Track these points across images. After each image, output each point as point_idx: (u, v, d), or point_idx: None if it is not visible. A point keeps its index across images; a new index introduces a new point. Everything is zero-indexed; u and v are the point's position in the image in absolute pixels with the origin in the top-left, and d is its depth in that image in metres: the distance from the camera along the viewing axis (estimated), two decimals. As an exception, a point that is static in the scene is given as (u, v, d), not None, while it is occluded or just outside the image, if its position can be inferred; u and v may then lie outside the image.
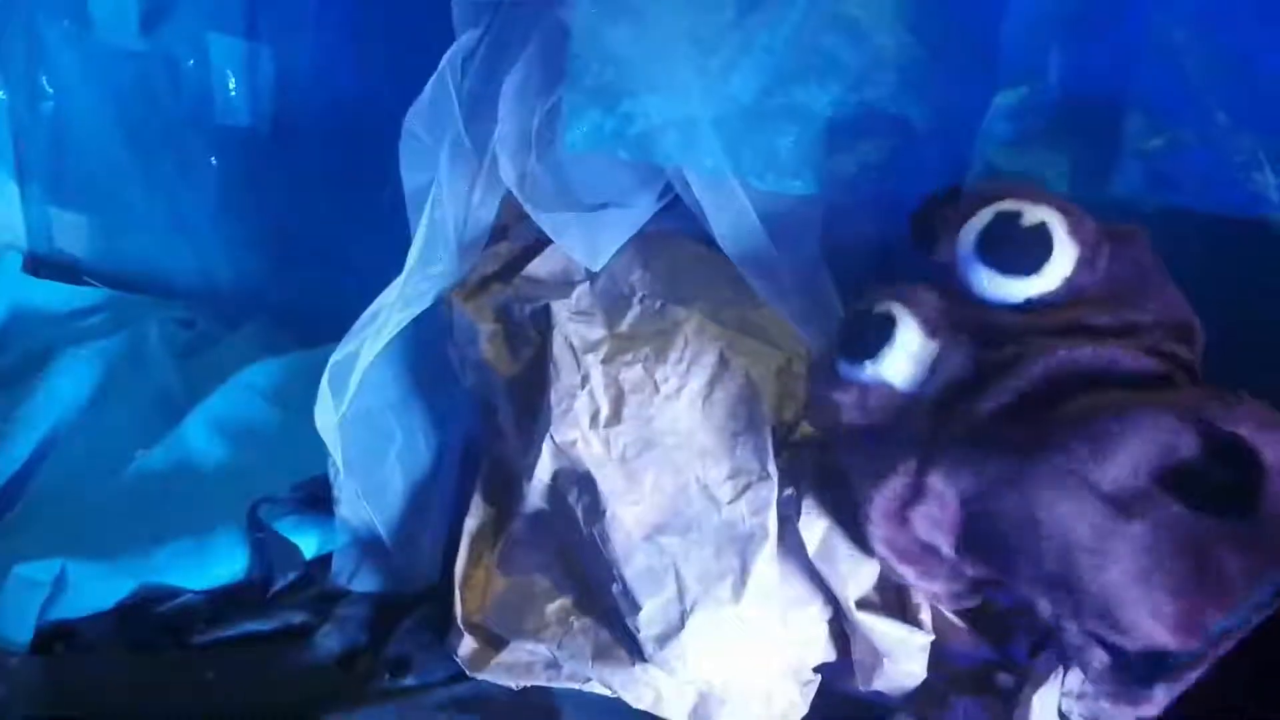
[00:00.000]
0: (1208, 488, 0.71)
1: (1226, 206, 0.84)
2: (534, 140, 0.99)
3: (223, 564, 1.07)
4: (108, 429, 1.23)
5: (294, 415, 1.14)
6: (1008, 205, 0.80)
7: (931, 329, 0.80)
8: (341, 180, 1.28)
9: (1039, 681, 0.87)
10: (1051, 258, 0.78)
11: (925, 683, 0.91)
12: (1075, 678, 0.86)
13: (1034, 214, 0.79)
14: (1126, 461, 0.71)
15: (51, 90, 1.39)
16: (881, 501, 0.80)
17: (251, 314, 1.38)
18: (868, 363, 0.81)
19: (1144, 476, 0.71)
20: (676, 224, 0.98)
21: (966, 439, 0.77)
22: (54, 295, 1.40)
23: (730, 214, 0.93)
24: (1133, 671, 0.77)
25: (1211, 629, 0.72)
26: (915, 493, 0.79)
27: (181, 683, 0.99)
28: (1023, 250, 0.79)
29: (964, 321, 0.80)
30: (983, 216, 0.80)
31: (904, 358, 0.80)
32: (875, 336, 0.81)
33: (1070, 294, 0.79)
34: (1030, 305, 0.80)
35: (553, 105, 0.97)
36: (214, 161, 1.35)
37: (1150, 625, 0.72)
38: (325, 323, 1.05)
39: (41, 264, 1.44)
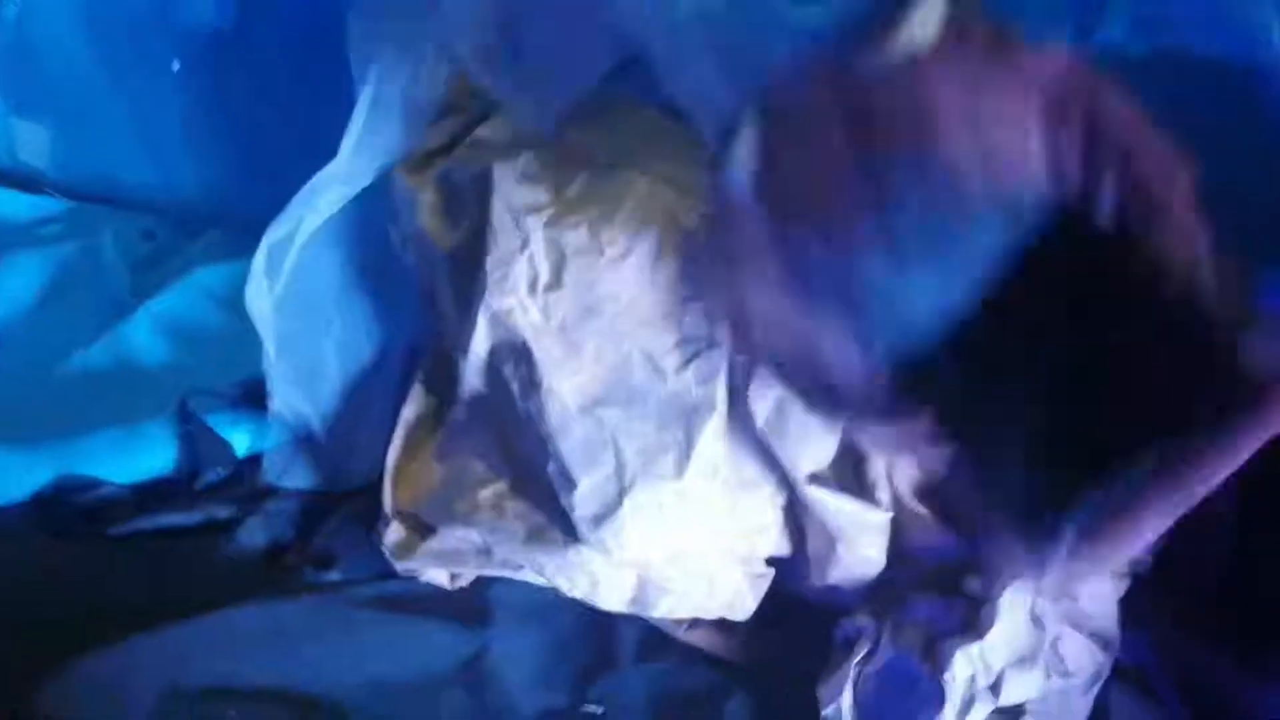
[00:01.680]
0: None
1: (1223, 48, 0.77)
2: (484, 4, 0.93)
3: (149, 456, 1.01)
4: (51, 329, 1.18)
5: (245, 319, 1.08)
6: None
7: None
8: (310, 83, 1.22)
9: (1011, 579, 0.78)
10: None
11: (886, 583, 0.84)
12: (1052, 579, 0.78)
13: None
14: None
15: (16, -1, 1.35)
16: None
17: (214, 224, 1.32)
18: None
19: None
20: (631, 87, 0.92)
21: None
22: (12, 204, 1.34)
23: (688, 67, 0.85)
24: None
25: None
26: None
27: (95, 573, 0.93)
28: None
29: None
30: None
31: None
32: None
33: None
34: None
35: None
36: (177, 65, 1.30)
37: None
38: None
39: (3, 177, 1.38)
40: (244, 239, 1.28)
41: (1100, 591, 0.77)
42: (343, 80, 1.02)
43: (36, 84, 1.36)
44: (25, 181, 1.38)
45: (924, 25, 0.69)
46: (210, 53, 1.29)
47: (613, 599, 0.84)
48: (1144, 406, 0.67)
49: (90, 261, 1.27)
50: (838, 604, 0.85)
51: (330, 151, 1.09)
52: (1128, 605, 0.79)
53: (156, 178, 1.36)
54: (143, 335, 1.15)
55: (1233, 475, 0.78)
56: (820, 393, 0.75)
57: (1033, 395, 0.69)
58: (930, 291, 0.68)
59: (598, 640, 0.88)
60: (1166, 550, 0.80)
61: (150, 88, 1.32)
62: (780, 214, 0.70)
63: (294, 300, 0.98)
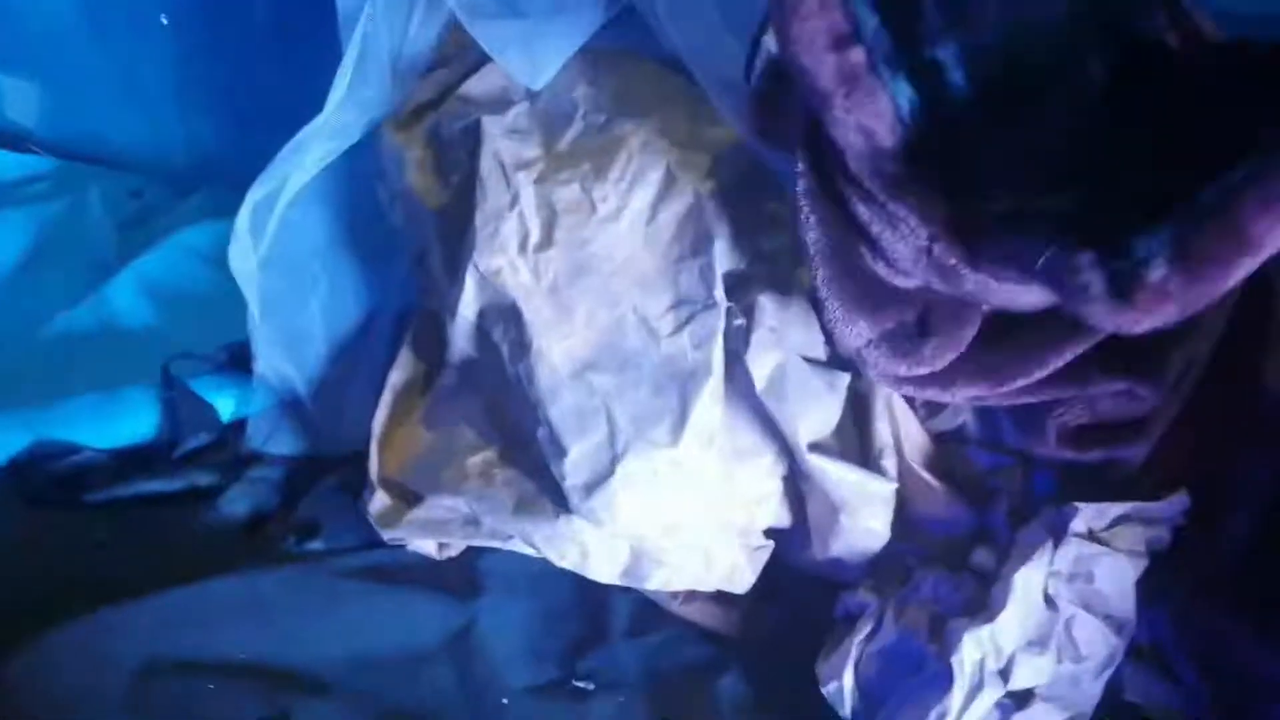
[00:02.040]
0: None
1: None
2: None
3: (130, 422, 0.98)
4: (34, 290, 1.14)
5: (230, 280, 1.05)
6: None
7: None
8: (300, 38, 1.18)
9: (1024, 557, 0.75)
10: None
11: (890, 556, 0.80)
12: (1065, 556, 0.74)
13: None
14: None
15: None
16: None
17: (206, 183, 1.29)
18: None
19: None
20: (628, 41, 0.88)
21: None
22: (-1, 163, 1.32)
23: (689, 17, 0.82)
24: None
25: None
26: None
27: (71, 541, 0.90)
28: None
29: None
30: None
31: None
32: None
33: None
34: None
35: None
36: (164, 20, 1.26)
37: None
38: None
39: (-10, 136, 1.35)
40: (233, 198, 1.26)
41: (1117, 571, 0.73)
42: (333, 35, 0.98)
43: (22, 40, 1.32)
44: (11, 140, 1.35)
45: None
46: (198, 7, 1.26)
47: (604, 571, 0.81)
48: (1217, 113, 0.63)
49: (76, 220, 1.23)
50: (838, 577, 0.81)
51: (318, 103, 1.06)
52: (1144, 582, 0.76)
53: (144, 135, 1.33)
54: (127, 297, 1.11)
55: (1260, 448, 0.76)
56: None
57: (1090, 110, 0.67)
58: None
59: (589, 612, 0.85)
60: (1184, 526, 0.77)
61: (138, 44, 1.29)
62: None
63: (279, 260, 0.94)
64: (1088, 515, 0.75)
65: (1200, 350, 0.75)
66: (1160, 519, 0.76)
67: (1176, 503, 0.76)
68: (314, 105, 1.13)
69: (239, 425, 0.99)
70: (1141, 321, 0.61)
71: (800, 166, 0.73)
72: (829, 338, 0.78)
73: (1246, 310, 0.75)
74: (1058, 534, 0.75)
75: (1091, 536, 0.74)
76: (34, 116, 1.35)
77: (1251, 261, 0.58)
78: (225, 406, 0.99)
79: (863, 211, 0.70)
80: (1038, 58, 0.70)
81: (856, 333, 0.75)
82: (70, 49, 1.31)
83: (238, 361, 1.01)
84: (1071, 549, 0.74)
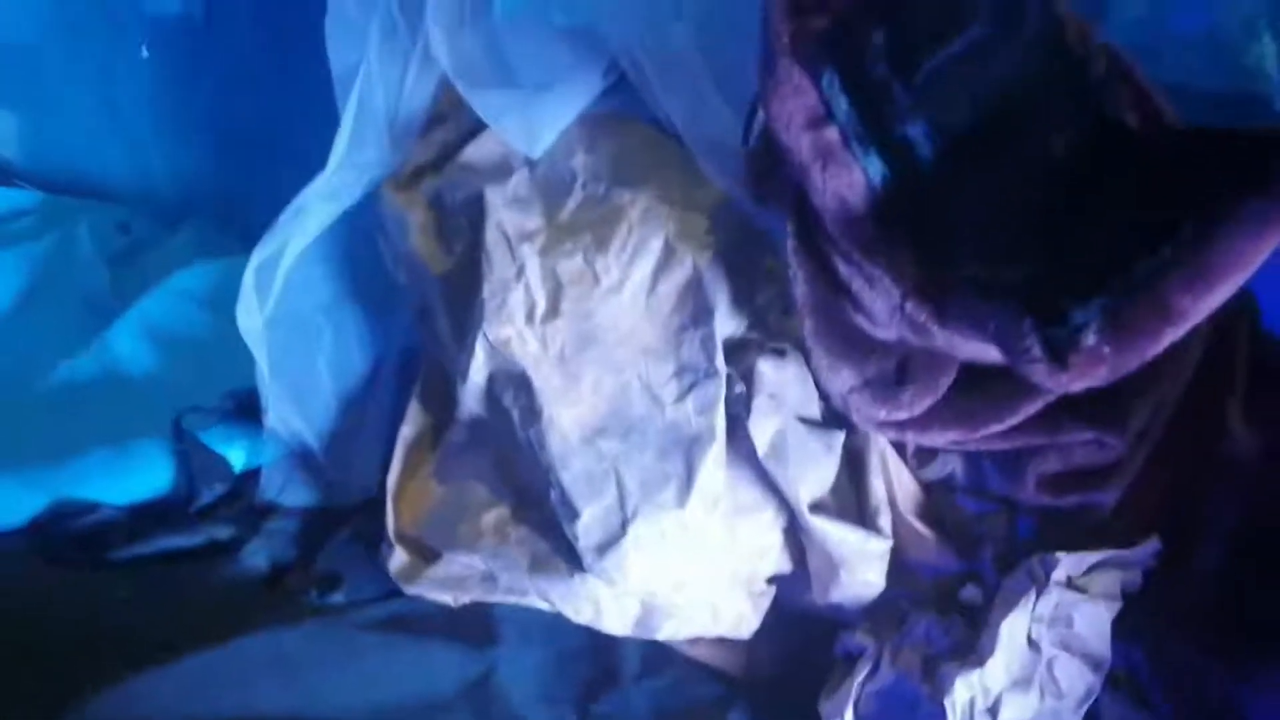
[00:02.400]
0: None
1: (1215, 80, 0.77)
2: (468, 13, 0.91)
3: (144, 477, 1.00)
4: (31, 335, 1.16)
5: (230, 322, 1.07)
6: None
7: None
8: (282, 71, 1.20)
9: (1009, 604, 0.80)
10: None
11: (885, 600, 0.86)
12: (1047, 603, 0.80)
13: None
14: None
15: (-26, -18, 1.30)
16: None
17: (190, 215, 1.30)
18: None
19: None
20: (622, 106, 0.91)
21: None
22: (-18, 198, 1.32)
23: (679, 84, 0.85)
24: None
25: None
26: None
27: (97, 601, 0.92)
28: None
29: None
30: None
31: None
32: None
33: None
34: None
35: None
36: (145, 52, 1.27)
37: None
38: (268, 223, 0.97)
39: (-31, 169, 1.36)
40: (220, 232, 1.29)
41: (1094, 615, 0.79)
42: (315, 69, 1.00)
43: (2, 72, 1.33)
44: (-5, 174, 1.36)
45: None
46: (180, 40, 1.27)
47: (617, 624, 0.85)
48: (1165, 192, 0.68)
49: (67, 258, 1.25)
50: (837, 618, 0.87)
51: (302, 140, 1.08)
52: (1120, 620, 0.81)
53: (127, 167, 1.34)
54: (127, 344, 1.13)
55: (1228, 487, 0.82)
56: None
57: (1049, 184, 0.72)
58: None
59: (601, 656, 0.90)
60: (1157, 563, 0.83)
61: (120, 75, 1.30)
62: None
63: (285, 318, 0.97)
64: (1067, 564, 0.80)
65: (1167, 398, 0.81)
66: (1133, 563, 0.82)
67: (1148, 548, 0.82)
68: (292, 136, 1.16)
69: (251, 475, 1.02)
70: (1076, 382, 0.67)
71: (789, 228, 0.78)
72: (816, 381, 0.83)
73: (1211, 357, 0.80)
74: (1040, 582, 0.80)
75: (1070, 584, 0.80)
76: (15, 148, 1.36)
77: (1175, 332, 0.65)
78: (236, 458, 1.02)
79: (843, 269, 0.75)
80: (1001, 134, 0.74)
81: (841, 379, 0.81)
82: (51, 81, 1.32)
83: (245, 411, 1.04)
84: (1053, 596, 0.80)
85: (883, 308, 0.74)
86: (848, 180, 0.73)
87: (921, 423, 0.80)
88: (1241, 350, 0.82)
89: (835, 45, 0.72)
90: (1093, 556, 0.81)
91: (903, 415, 0.80)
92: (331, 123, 0.96)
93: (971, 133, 0.74)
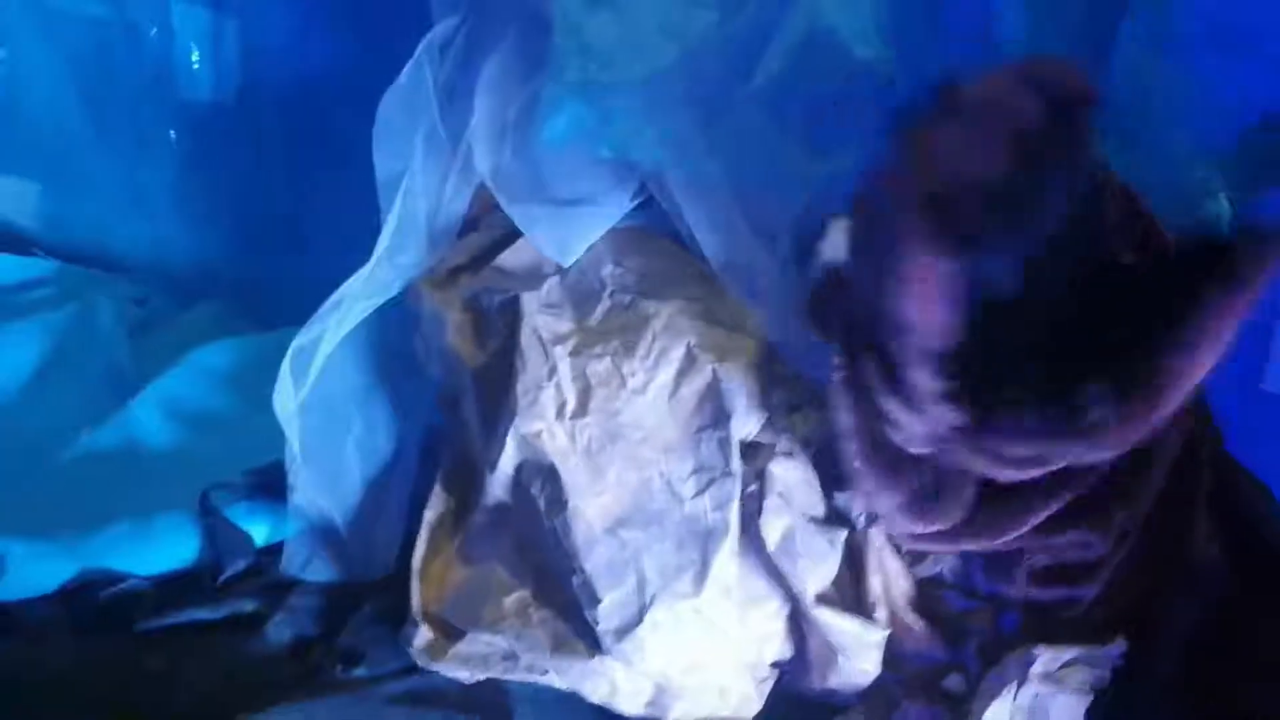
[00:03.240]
0: None
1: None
2: (510, 132, 0.99)
3: (170, 549, 1.05)
4: (52, 406, 1.21)
5: (249, 399, 1.12)
6: None
7: None
8: (305, 159, 1.27)
9: (991, 694, 0.88)
10: None
11: (879, 685, 0.92)
12: (1026, 694, 0.88)
13: None
14: None
15: (4, 53, 1.35)
16: None
17: (207, 293, 1.36)
18: None
19: None
20: (649, 221, 0.99)
21: None
22: (1, 266, 1.36)
23: (707, 211, 0.93)
24: None
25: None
26: None
27: (125, 670, 0.96)
28: None
29: None
30: None
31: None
32: None
33: None
34: None
35: (530, 96, 0.97)
36: (173, 135, 1.33)
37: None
38: (284, 305, 1.04)
39: (-9, 238, 1.40)
40: (237, 311, 1.35)
41: (1068, 706, 0.86)
42: (337, 161, 1.07)
43: (27, 142, 1.38)
44: (13, 242, 1.40)
45: None
46: (208, 125, 1.33)
47: (630, 705, 0.91)
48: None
49: (86, 329, 1.29)
50: (833, 703, 0.93)
51: (319, 229, 1.15)
52: (1091, 713, 0.89)
53: (147, 243, 1.39)
54: (150, 418, 1.18)
55: (1189, 593, 0.90)
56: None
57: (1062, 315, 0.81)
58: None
59: (611, 734, 0.96)
60: (1124, 661, 0.91)
61: (143, 154, 1.36)
62: None
63: (317, 402, 1.02)
64: (1045, 659, 0.88)
65: (1140, 510, 0.89)
66: (1103, 661, 0.89)
67: (1115, 649, 0.89)
68: (313, 227, 1.22)
69: (272, 550, 1.07)
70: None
71: (837, 360, 0.86)
72: (864, 500, 0.91)
73: (1180, 472, 0.89)
74: (1020, 675, 0.88)
75: (1047, 677, 0.88)
76: (36, 218, 1.40)
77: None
78: (259, 533, 1.07)
79: (888, 399, 0.83)
80: (1028, 283, 0.83)
81: (886, 498, 0.88)
82: (77, 154, 1.37)
83: (265, 487, 1.09)
84: (1031, 688, 0.87)
85: (921, 430, 0.83)
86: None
87: (950, 535, 0.89)
88: (1205, 469, 0.91)
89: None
90: (1068, 652, 0.88)
91: (935, 528, 0.88)
92: (350, 210, 1.02)
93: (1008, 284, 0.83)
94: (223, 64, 1.33)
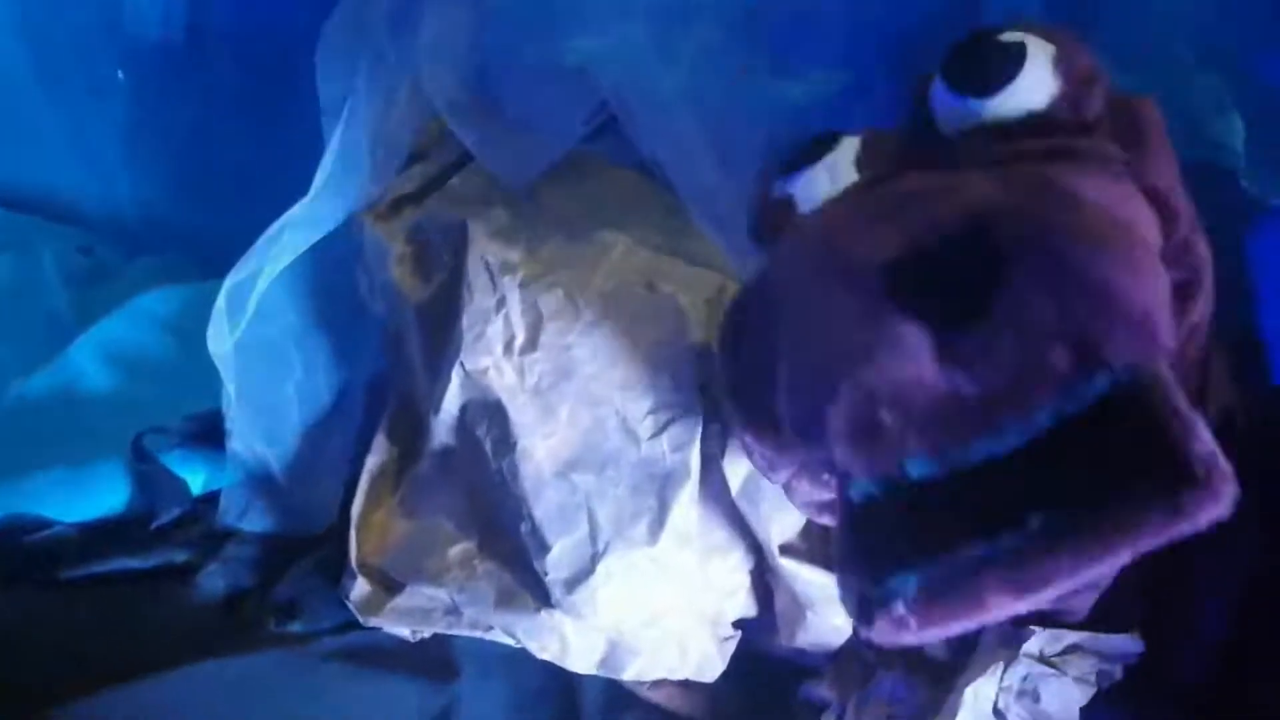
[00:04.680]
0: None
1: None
2: (461, 51, 0.92)
3: (101, 495, 0.99)
4: (-8, 352, 1.15)
5: (192, 346, 1.05)
6: (991, 25, 0.69)
7: (861, 165, 0.72)
8: (259, 101, 1.20)
9: (977, 670, 0.81)
10: (1016, 79, 0.66)
11: (852, 654, 0.86)
12: (1015, 673, 0.80)
13: (1012, 35, 0.67)
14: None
15: (-63, -7, 1.29)
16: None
17: (155, 243, 1.30)
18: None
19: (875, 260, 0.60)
20: (609, 148, 0.92)
21: None
22: (-60, 214, 1.31)
23: (669, 134, 0.87)
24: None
25: (897, 455, 0.57)
26: None
27: (49, 619, 0.91)
28: (983, 67, 0.66)
29: (911, 158, 0.70)
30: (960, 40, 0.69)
31: (824, 174, 0.72)
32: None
33: (1037, 132, 0.66)
34: (984, 133, 0.67)
35: (481, 13, 0.91)
36: (121, 76, 1.26)
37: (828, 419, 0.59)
38: (236, 256, 0.97)
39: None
40: (185, 260, 1.29)
41: (1063, 692, 0.79)
42: (292, 105, 1.01)
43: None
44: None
45: None
46: (155, 66, 1.26)
47: (582, 662, 0.85)
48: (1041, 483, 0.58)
49: (26, 278, 1.24)
50: (801, 663, 0.87)
51: (274, 175, 1.08)
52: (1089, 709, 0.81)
53: (93, 191, 1.33)
54: (87, 363, 1.12)
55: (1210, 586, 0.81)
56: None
57: None
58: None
59: (562, 696, 0.89)
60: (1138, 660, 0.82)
61: (90, 97, 1.29)
62: None
63: (255, 343, 0.96)
64: (1042, 639, 0.79)
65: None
66: (1113, 654, 0.80)
67: (1129, 642, 0.79)
68: (267, 173, 1.16)
69: (208, 499, 1.01)
70: (878, 639, 0.60)
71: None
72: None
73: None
74: (1011, 651, 0.80)
75: (1042, 658, 0.80)
76: (-26, 163, 1.34)
77: (989, 619, 0.59)
78: (195, 481, 1.01)
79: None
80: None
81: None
82: (16, 95, 1.31)
83: (205, 434, 1.02)
84: (1021, 668, 0.79)
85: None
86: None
87: None
88: (1231, 451, 0.79)
89: None
90: (1071, 636, 0.79)
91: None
92: (305, 158, 0.96)
93: None
94: (172, 1, 1.26)
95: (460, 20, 0.93)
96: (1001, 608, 0.57)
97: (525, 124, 0.91)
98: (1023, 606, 0.57)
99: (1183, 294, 0.65)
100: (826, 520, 0.77)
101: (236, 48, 1.23)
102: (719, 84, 0.86)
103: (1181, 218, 0.66)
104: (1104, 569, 0.56)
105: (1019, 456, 0.56)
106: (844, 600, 0.62)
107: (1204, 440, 0.54)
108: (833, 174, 0.71)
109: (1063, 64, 0.66)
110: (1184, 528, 0.53)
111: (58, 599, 0.92)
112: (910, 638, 0.59)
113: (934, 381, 0.56)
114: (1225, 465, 0.53)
